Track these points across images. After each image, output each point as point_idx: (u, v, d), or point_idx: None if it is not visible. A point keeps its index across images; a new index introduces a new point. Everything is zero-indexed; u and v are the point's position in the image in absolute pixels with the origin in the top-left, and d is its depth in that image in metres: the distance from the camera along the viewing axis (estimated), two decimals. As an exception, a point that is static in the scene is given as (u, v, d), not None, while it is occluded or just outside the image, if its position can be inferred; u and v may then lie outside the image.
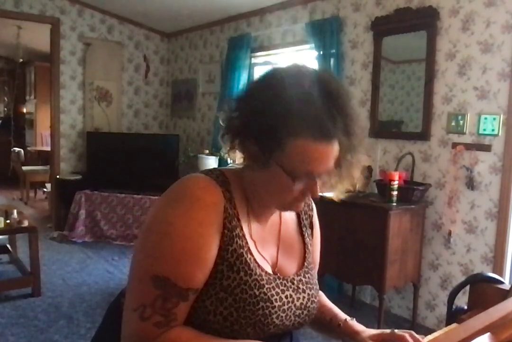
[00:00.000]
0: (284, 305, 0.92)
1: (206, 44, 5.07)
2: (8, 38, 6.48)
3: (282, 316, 0.91)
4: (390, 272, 2.71)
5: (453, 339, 0.78)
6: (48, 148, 5.85)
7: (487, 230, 2.70)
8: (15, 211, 3.36)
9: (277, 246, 0.99)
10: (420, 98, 3.02)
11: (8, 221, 3.28)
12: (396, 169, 2.91)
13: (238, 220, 0.90)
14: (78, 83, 5.15)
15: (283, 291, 0.93)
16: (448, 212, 2.85)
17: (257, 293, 0.88)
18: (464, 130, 2.78)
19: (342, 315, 1.08)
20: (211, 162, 4.37)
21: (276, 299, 0.90)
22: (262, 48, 4.29)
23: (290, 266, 0.99)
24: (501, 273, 2.61)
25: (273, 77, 0.86)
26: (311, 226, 1.08)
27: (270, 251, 0.97)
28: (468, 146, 2.75)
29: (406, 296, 3.12)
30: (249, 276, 0.88)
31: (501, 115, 2.61)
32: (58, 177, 5.06)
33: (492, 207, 2.67)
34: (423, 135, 2.98)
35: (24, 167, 6.92)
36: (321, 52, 3.53)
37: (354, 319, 1.06)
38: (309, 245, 1.05)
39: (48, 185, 5.94)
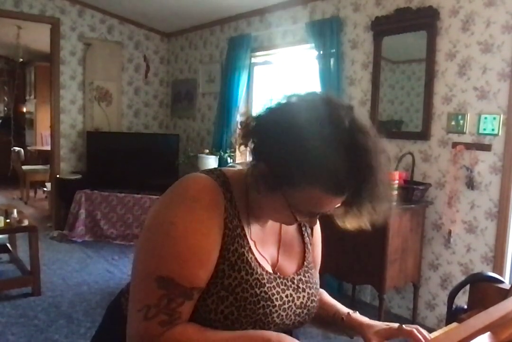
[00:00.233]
0: (285, 304, 0.92)
1: (206, 44, 5.07)
2: (8, 38, 6.48)
3: (282, 315, 0.91)
4: (390, 271, 2.71)
5: (453, 338, 0.78)
6: (48, 148, 5.84)
7: (487, 229, 2.70)
8: (15, 210, 3.36)
9: (278, 245, 0.99)
10: (420, 98, 3.02)
11: (8, 220, 3.28)
12: (396, 169, 2.91)
13: (239, 220, 0.90)
14: (78, 83, 5.15)
15: (283, 290, 0.93)
16: (448, 212, 2.85)
17: (258, 292, 0.88)
18: (464, 130, 2.78)
19: (345, 309, 1.07)
20: (211, 162, 4.37)
21: (276, 298, 0.91)
22: (262, 48, 4.29)
23: (290, 266, 0.99)
24: (501, 273, 2.61)
25: (297, 116, 0.80)
26: None
27: (270, 251, 0.97)
28: (468, 146, 2.75)
29: (406, 296, 3.12)
30: (250, 275, 0.88)
31: (501, 115, 2.61)
32: (58, 176, 5.06)
33: (492, 207, 2.67)
34: (423, 135, 2.98)
35: (24, 167, 6.92)
36: (321, 52, 3.53)
37: (357, 312, 1.05)
38: (308, 244, 1.05)
39: (48, 185, 5.94)
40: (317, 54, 3.57)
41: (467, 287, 1.16)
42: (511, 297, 1.01)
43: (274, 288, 0.91)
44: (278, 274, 0.95)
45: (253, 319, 0.87)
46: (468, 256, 2.80)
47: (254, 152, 0.85)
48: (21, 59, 6.81)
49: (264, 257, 0.94)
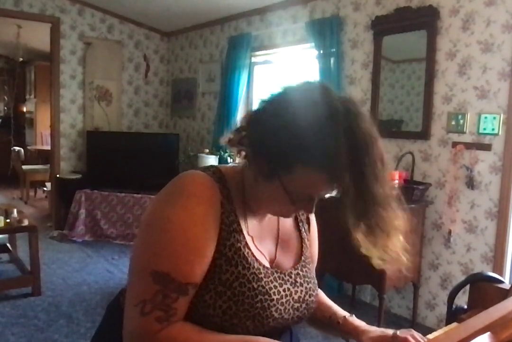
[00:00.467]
0: (282, 298, 0.93)
1: (206, 44, 5.07)
2: (8, 37, 6.47)
3: (280, 309, 0.92)
4: (390, 271, 2.70)
5: (453, 338, 0.78)
6: (48, 148, 5.84)
7: (487, 229, 2.70)
8: (15, 210, 3.36)
9: (276, 240, 1.00)
10: (420, 98, 3.02)
11: (8, 220, 3.27)
12: (396, 169, 2.91)
13: (235, 215, 0.91)
14: (78, 82, 5.15)
15: (281, 285, 0.94)
16: (448, 212, 2.85)
17: (255, 286, 0.89)
18: (464, 130, 2.78)
19: (342, 312, 1.08)
20: (211, 161, 4.37)
21: (274, 292, 0.91)
22: (262, 47, 4.29)
23: (287, 260, 1.00)
24: (501, 273, 2.61)
25: (293, 99, 0.83)
26: (308, 222, 1.10)
27: (268, 246, 0.98)
28: (468, 146, 2.75)
29: (406, 296, 3.12)
30: (247, 270, 0.89)
31: (501, 115, 2.61)
32: (58, 176, 5.06)
33: (492, 206, 2.67)
34: (423, 134, 2.98)
35: (24, 167, 6.92)
36: (321, 52, 3.53)
37: (354, 315, 1.06)
38: (306, 240, 1.06)
39: (48, 184, 5.94)
40: (317, 54, 3.57)
41: (467, 287, 1.16)
42: (511, 297, 1.01)
43: (272, 282, 0.92)
44: (276, 268, 0.96)
45: (251, 313, 0.88)
46: (468, 255, 2.80)
47: (249, 141, 0.87)
48: (21, 59, 6.81)
49: (261, 252, 0.95)
